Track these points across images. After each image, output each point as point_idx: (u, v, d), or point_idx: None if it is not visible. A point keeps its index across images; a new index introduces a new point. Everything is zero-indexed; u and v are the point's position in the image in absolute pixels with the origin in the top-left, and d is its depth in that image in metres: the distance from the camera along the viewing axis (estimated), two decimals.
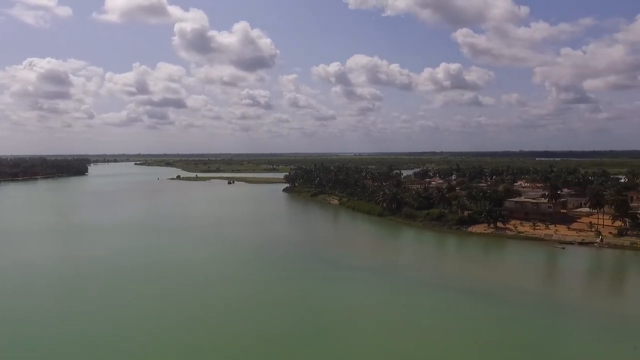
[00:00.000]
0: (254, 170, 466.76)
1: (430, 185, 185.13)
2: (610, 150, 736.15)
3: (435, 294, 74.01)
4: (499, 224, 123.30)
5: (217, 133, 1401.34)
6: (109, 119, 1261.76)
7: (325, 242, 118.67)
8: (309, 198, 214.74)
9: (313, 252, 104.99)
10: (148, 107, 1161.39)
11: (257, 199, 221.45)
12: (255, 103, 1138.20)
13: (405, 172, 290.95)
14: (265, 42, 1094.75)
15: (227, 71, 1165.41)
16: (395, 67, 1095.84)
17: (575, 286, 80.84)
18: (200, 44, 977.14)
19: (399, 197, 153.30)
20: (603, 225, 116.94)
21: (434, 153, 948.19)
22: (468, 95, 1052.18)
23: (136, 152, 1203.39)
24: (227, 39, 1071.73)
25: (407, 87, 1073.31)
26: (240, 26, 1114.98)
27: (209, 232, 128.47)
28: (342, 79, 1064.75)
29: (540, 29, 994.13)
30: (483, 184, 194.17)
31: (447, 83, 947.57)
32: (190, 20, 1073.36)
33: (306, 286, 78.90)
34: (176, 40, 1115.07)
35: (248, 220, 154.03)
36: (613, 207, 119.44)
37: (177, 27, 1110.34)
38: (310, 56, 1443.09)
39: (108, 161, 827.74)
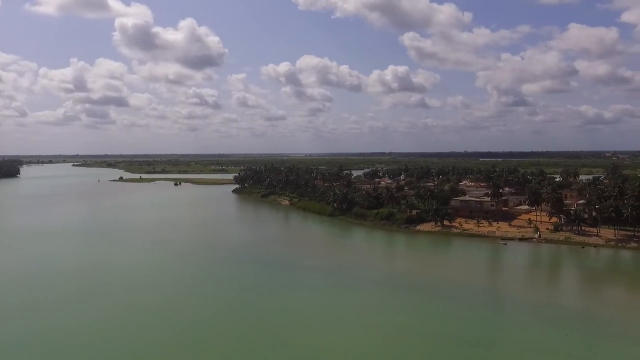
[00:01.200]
0: (201, 171, 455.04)
1: (380, 185, 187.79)
2: (547, 151, 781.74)
3: (385, 292, 74.73)
4: (446, 222, 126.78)
5: (162, 133, 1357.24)
6: (43, 118, 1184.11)
7: (276, 242, 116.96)
8: (260, 199, 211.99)
9: (264, 253, 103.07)
10: (87, 105, 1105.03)
11: (205, 201, 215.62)
12: (202, 102, 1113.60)
13: (355, 173, 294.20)
14: (213, 40, 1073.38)
15: (172, 69, 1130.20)
16: (344, 68, 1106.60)
17: (516, 279, 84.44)
18: (144, 40, 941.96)
19: (349, 197, 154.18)
20: (541, 221, 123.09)
21: (383, 153, 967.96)
22: (415, 97, 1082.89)
23: (74, 153, 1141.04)
24: (173, 35, 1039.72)
25: (357, 88, 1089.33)
26: (187, 23, 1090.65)
27: (153, 237, 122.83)
28: (292, 79, 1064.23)
29: (482, 35, 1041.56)
30: (430, 184, 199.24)
31: (395, 85, 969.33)
32: (132, 15, 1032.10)
33: (257, 287, 76.91)
34: (117, 35, 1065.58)
35: (196, 222, 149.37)
36: (549, 204, 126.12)
37: (118, 22, 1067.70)
38: (260, 56, 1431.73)
39: (43, 162, 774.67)
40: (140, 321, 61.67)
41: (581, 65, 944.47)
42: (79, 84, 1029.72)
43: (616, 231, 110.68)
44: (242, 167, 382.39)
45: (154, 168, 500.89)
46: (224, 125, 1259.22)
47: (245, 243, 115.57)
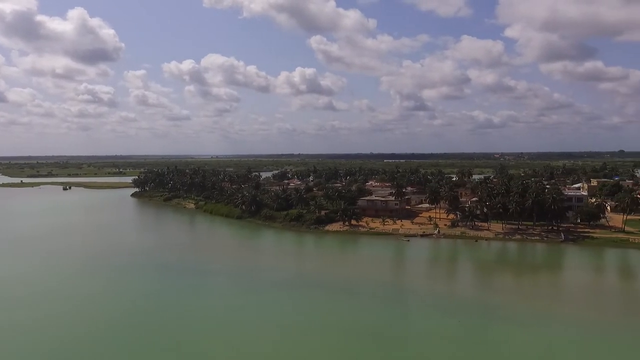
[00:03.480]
0: (95, 175, 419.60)
1: (289, 187, 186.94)
2: (445, 153, 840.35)
3: (294, 291, 73.97)
4: (353, 222, 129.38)
5: (49, 132, 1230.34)
6: None
7: (180, 247, 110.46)
8: (162, 203, 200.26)
9: (167, 258, 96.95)
10: None
11: (100, 206, 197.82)
12: (96, 99, 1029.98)
13: (264, 174, 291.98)
14: (107, 33, 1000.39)
15: (60, 62, 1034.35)
16: (252, 68, 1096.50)
17: (418, 273, 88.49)
18: (26, 29, 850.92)
19: (258, 199, 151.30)
20: (440, 218, 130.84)
21: (292, 155, 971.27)
22: (323, 99, 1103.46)
23: None
24: (60, 25, 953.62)
25: (265, 89, 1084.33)
26: (76, 13, 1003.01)
27: (44, 245, 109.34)
28: (196, 78, 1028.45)
29: (385, 42, 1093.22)
30: (338, 185, 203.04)
31: (303, 87, 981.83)
32: (12, 0, 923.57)
33: (159, 294, 71.78)
34: None
35: (91, 228, 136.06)
36: (447, 202, 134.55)
37: None
38: (161, 52, 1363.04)
39: None
40: (35, 335, 54.71)
41: (473, 74, 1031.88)
42: None
43: (504, 225, 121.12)
44: (142, 170, 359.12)
45: (38, 171, 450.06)
46: (121, 125, 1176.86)
47: (146, 249, 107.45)
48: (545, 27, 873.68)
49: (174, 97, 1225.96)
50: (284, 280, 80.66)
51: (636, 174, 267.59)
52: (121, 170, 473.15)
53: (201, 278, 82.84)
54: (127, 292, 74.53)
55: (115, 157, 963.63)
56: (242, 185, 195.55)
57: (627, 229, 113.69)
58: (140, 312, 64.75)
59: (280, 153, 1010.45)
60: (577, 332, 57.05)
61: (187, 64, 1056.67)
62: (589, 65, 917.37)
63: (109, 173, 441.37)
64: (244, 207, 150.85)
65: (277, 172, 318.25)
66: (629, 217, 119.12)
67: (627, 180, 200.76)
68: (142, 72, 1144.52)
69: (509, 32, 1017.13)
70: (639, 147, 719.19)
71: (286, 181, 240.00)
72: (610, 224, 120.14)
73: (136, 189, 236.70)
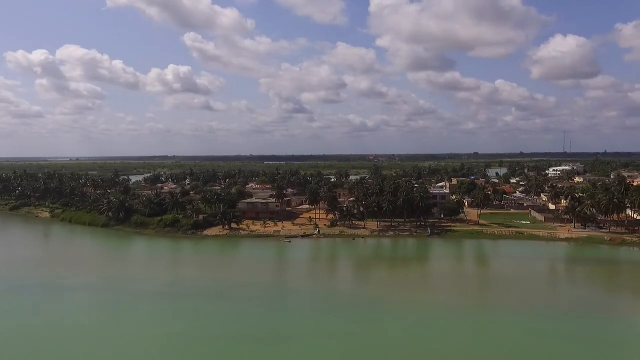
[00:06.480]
0: None
1: (163, 191, 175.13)
2: (323, 154, 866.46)
3: (165, 301, 69.03)
4: (234, 225, 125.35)
5: None
6: None
7: (30, 262, 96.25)
8: (8, 212, 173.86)
9: (14, 275, 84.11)
10: None
11: None
12: None
13: (134, 178, 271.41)
14: None
15: None
16: (118, 63, 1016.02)
17: (299, 274, 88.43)
18: None
19: (127, 204, 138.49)
20: (319, 218, 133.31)
21: (165, 157, 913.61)
22: (199, 99, 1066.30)
23: None
24: None
25: (133, 86, 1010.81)
26: None
27: None
28: (50, 70, 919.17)
29: (264, 43, 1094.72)
30: (217, 187, 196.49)
31: (177, 85, 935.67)
32: None
33: (5, 316, 61.68)
34: None
35: None
36: (326, 202, 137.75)
37: None
38: (5, 39, 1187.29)
39: None
40: None
41: (348, 79, 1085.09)
42: None
43: (378, 223, 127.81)
44: None
45: None
46: None
47: None
48: (411, 39, 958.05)
49: (22, 91, 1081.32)
50: (158, 291, 74.46)
51: (487, 173, 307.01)
52: None
53: (58, 295, 73.03)
54: None
55: None
56: (108, 190, 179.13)
57: (481, 221, 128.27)
58: None
59: (152, 155, 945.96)
60: (442, 316, 61.69)
61: (39, 54, 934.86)
62: (449, 75, 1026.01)
63: None
64: (110, 214, 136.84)
65: (149, 175, 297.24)
66: (482, 211, 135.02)
67: (480, 179, 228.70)
68: None
69: (379, 42, 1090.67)
70: (489, 150, 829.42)
71: (159, 185, 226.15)
72: (468, 217, 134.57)
73: None
